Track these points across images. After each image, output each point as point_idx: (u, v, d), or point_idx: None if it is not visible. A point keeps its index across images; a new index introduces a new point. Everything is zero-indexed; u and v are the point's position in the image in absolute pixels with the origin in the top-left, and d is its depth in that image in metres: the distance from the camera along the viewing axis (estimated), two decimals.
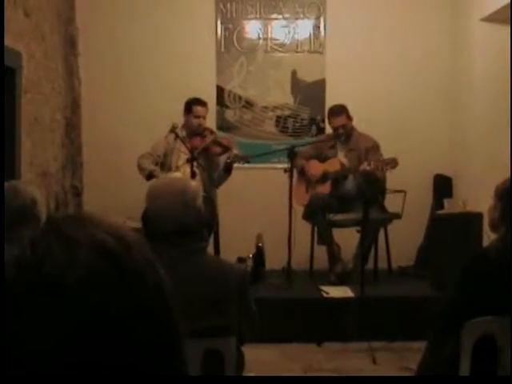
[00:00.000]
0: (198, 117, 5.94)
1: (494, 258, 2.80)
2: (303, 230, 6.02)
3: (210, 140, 5.89)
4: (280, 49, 7.08)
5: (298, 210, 6.03)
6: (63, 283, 0.76)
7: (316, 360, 4.98)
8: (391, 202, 6.07)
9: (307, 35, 7.08)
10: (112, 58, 6.89)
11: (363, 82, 6.97)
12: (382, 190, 6.04)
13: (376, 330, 5.14)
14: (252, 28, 7.08)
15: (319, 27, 7.07)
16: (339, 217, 5.93)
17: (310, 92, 7.07)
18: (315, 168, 6.15)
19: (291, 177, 5.78)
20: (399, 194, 5.89)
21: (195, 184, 2.90)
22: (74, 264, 0.77)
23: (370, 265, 5.99)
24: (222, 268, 2.72)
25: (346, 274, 5.94)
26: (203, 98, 6.13)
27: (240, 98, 7.06)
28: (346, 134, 6.09)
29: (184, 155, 5.80)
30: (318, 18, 7.06)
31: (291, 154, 5.85)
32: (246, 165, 6.39)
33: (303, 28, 7.08)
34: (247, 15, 7.06)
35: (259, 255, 5.98)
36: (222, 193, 6.12)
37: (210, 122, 6.46)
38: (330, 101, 6.73)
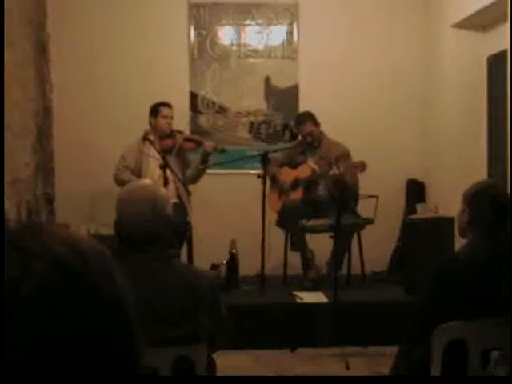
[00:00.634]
0: (165, 117, 5.98)
1: (464, 263, 2.81)
2: (277, 236, 6.02)
3: (180, 139, 5.91)
4: (253, 55, 7.09)
5: (272, 215, 6.03)
6: (16, 295, 0.74)
7: (289, 366, 4.98)
8: (364, 207, 6.09)
9: (280, 41, 7.09)
10: (84, 64, 6.85)
11: (336, 87, 7.00)
12: (354, 195, 6.06)
13: (349, 335, 5.15)
14: (225, 34, 7.08)
15: (292, 33, 7.09)
16: (312, 222, 5.94)
17: (284, 98, 7.08)
18: (287, 175, 6.17)
19: (264, 183, 5.79)
20: (372, 199, 5.91)
21: (165, 190, 2.89)
22: (28, 275, 0.76)
23: (344, 270, 6.00)
24: (192, 275, 2.71)
25: (319, 279, 5.95)
26: (176, 103, 6.14)
27: (213, 103, 7.06)
28: (315, 141, 6.11)
29: (154, 160, 5.82)
30: (291, 24, 7.08)
31: (264, 160, 5.86)
32: (219, 170, 6.39)
33: (276, 34, 7.09)
34: (220, 21, 7.06)
35: (233, 261, 5.97)
36: (196, 199, 6.11)
37: (184, 127, 6.45)
38: (303, 106, 6.75)
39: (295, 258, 6.15)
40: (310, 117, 6.12)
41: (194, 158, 6.03)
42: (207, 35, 7.04)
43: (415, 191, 7.00)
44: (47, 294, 0.76)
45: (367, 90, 7.02)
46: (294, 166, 6.20)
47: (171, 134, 5.98)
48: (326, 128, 6.20)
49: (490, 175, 6.19)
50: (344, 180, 5.78)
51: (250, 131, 7.09)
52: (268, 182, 5.95)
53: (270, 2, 7.03)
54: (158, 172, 5.76)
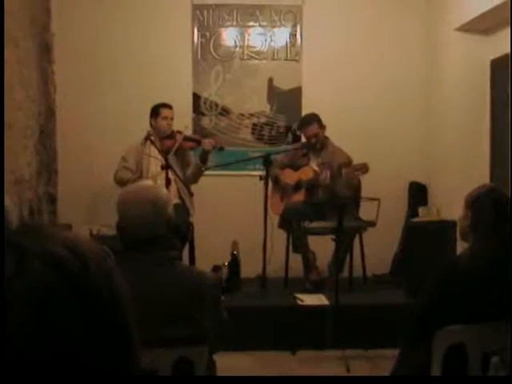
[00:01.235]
0: (166, 118, 6.01)
1: (465, 267, 2.81)
2: (278, 238, 6.03)
3: (180, 139, 5.93)
4: (256, 56, 7.09)
5: (274, 217, 6.03)
6: (11, 291, 0.75)
7: (290, 368, 4.98)
8: (366, 210, 6.09)
9: (284, 43, 7.10)
10: (87, 65, 6.86)
11: (339, 90, 7.00)
12: (356, 198, 6.07)
13: (350, 337, 5.14)
14: (229, 36, 7.08)
15: (295, 35, 7.09)
16: (314, 225, 5.94)
17: (287, 100, 7.08)
18: (289, 177, 6.17)
19: (267, 184, 5.79)
20: (374, 201, 5.91)
21: (166, 192, 2.90)
22: (23, 273, 0.76)
23: (345, 273, 6.00)
24: (193, 276, 2.71)
25: (320, 281, 5.95)
26: (179, 105, 6.17)
27: (216, 105, 7.06)
28: (319, 143, 6.11)
29: (155, 160, 5.84)
30: (294, 26, 7.08)
31: (266, 162, 5.86)
32: (222, 172, 6.39)
33: (280, 36, 7.10)
34: (224, 23, 7.06)
35: (234, 263, 5.96)
36: (198, 200, 6.11)
37: (187, 129, 6.45)
38: (306, 109, 6.75)
39: (297, 260, 6.15)
40: (315, 119, 6.12)
41: (194, 157, 6.04)
42: (211, 37, 7.04)
43: (417, 194, 6.99)
44: (42, 292, 0.76)
45: (370, 93, 7.02)
46: (296, 168, 6.20)
47: (171, 135, 5.99)
48: (328, 130, 6.19)
49: (492, 179, 6.18)
50: (335, 188, 5.80)
51: (253, 133, 7.10)
52: (270, 184, 5.96)
53: (273, 3, 7.03)
54: (159, 173, 5.77)
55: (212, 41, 7.04)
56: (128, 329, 0.83)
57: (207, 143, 5.95)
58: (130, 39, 6.92)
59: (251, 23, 7.07)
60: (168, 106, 6.05)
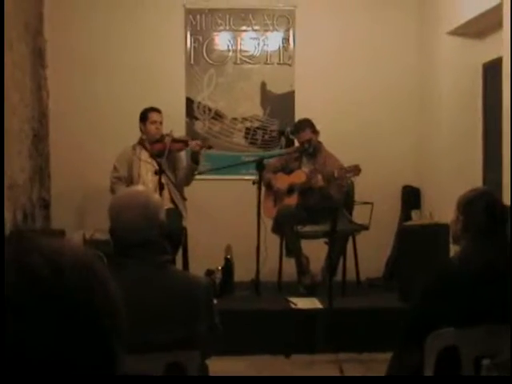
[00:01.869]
0: (154, 122, 5.99)
1: (457, 270, 2.82)
2: (272, 242, 6.03)
3: (169, 141, 5.90)
4: (249, 61, 7.10)
5: (267, 221, 6.04)
6: None
7: (284, 371, 4.98)
8: (359, 214, 6.10)
9: (276, 47, 7.11)
10: (80, 69, 6.86)
11: (332, 93, 7.01)
12: (349, 202, 6.08)
13: (344, 341, 5.14)
14: (221, 40, 7.09)
15: (288, 39, 7.11)
16: (307, 228, 5.95)
17: (280, 104, 7.09)
18: (282, 181, 6.17)
19: (260, 188, 5.80)
20: (367, 205, 5.92)
21: (157, 197, 2.90)
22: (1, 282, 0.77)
23: (339, 276, 6.00)
24: (186, 281, 2.72)
25: (314, 285, 5.95)
26: (172, 109, 6.17)
27: (209, 109, 7.07)
28: (312, 148, 6.11)
29: (146, 164, 5.85)
30: (287, 31, 7.09)
31: (259, 166, 5.86)
32: (215, 176, 6.39)
33: (273, 40, 7.11)
34: (217, 27, 7.07)
35: (228, 267, 5.97)
36: (191, 204, 6.11)
37: (180, 133, 6.46)
38: (299, 113, 6.76)
39: (290, 264, 6.15)
40: (309, 124, 6.13)
41: (184, 159, 6.02)
42: (204, 41, 7.05)
43: (410, 198, 7.00)
44: (14, 298, 0.76)
45: (363, 97, 7.03)
46: (288, 172, 6.21)
47: (161, 139, 5.97)
48: (321, 134, 6.20)
49: (485, 182, 6.21)
50: (328, 192, 5.81)
51: (246, 137, 7.10)
52: (263, 189, 5.96)
53: (266, 8, 7.05)
54: (151, 178, 5.77)
55: (205, 45, 7.05)
56: (107, 333, 0.83)
57: (194, 144, 5.93)
58: (122, 44, 6.92)
59: (244, 27, 7.08)
60: (156, 110, 6.05)
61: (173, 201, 5.89)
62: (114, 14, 6.90)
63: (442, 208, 6.02)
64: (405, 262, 5.90)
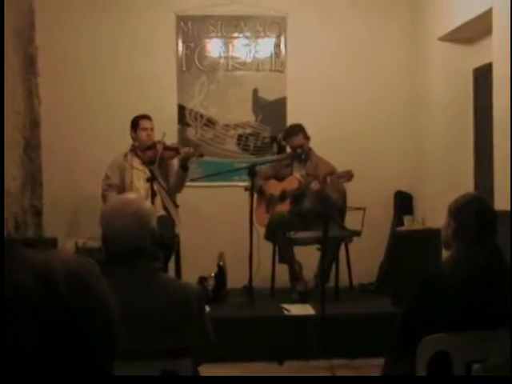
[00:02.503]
0: (145, 129, 5.99)
1: (447, 275, 2.83)
2: (265, 249, 6.03)
3: (160, 149, 5.90)
4: (241, 67, 7.11)
5: (260, 228, 6.04)
6: None
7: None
8: (351, 220, 6.10)
9: (268, 54, 7.12)
10: (72, 77, 6.86)
11: (324, 100, 7.03)
12: (338, 209, 6.09)
13: (337, 347, 5.14)
14: (213, 47, 7.10)
15: (280, 46, 7.12)
16: (299, 235, 5.94)
17: (271, 110, 7.10)
18: (274, 187, 6.18)
19: (252, 195, 5.80)
20: (359, 211, 5.93)
21: (149, 204, 2.90)
22: None
23: (332, 282, 6.01)
24: (177, 288, 2.71)
25: (307, 291, 5.95)
26: (164, 116, 6.16)
27: (201, 116, 7.07)
28: (304, 154, 6.12)
29: (138, 171, 5.84)
30: (278, 37, 7.11)
31: (252, 173, 5.86)
32: (207, 183, 6.38)
33: (264, 47, 7.12)
34: (208, 34, 7.08)
35: (221, 274, 5.96)
36: (184, 211, 6.11)
37: (172, 140, 6.46)
38: (291, 119, 6.77)
39: (283, 271, 6.15)
40: (300, 129, 6.14)
41: (176, 165, 6.02)
42: (195, 48, 7.06)
43: (403, 203, 7.02)
44: (6, 318, 0.76)
45: (355, 103, 7.05)
46: (280, 178, 6.22)
47: (152, 146, 5.97)
48: (313, 140, 6.22)
49: (476, 187, 6.22)
50: (326, 193, 5.82)
51: (238, 144, 7.11)
52: (255, 195, 5.96)
53: (258, 14, 7.06)
54: (143, 185, 5.77)
55: (196, 52, 7.06)
56: (101, 339, 0.84)
57: (185, 151, 5.92)
58: (114, 51, 6.92)
59: (236, 34, 7.09)
60: (147, 117, 6.05)
61: (165, 208, 5.89)
62: (105, 22, 6.90)
63: (434, 213, 6.03)
64: (397, 268, 5.92)
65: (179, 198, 6.07)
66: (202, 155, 6.06)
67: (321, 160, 6.16)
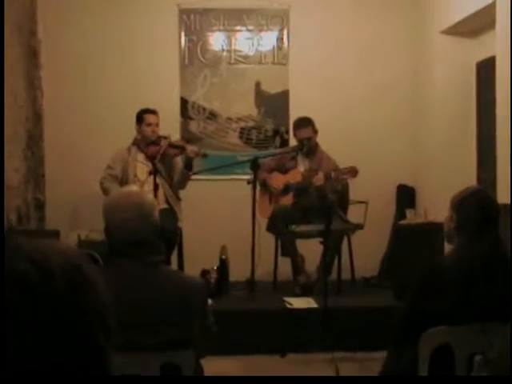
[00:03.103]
0: (150, 124, 5.96)
1: (449, 269, 2.83)
2: (267, 242, 6.03)
3: (165, 145, 5.88)
4: (244, 60, 7.10)
5: (262, 221, 6.04)
6: None
7: (279, 371, 4.98)
8: (354, 213, 6.11)
9: (271, 47, 7.11)
10: (74, 70, 6.86)
11: (326, 93, 7.02)
12: (344, 201, 6.08)
13: (339, 340, 5.14)
14: (216, 40, 7.09)
15: (282, 39, 7.11)
16: (302, 228, 5.95)
17: (274, 103, 7.09)
18: (277, 180, 6.17)
19: (254, 188, 5.79)
20: (362, 204, 5.93)
21: (151, 197, 2.91)
22: None
23: (334, 275, 6.01)
24: (180, 281, 2.72)
25: (309, 285, 5.95)
26: (167, 109, 6.16)
27: (204, 109, 7.07)
28: (309, 147, 6.12)
29: (141, 165, 5.84)
30: (281, 30, 7.10)
31: (254, 166, 5.86)
32: (210, 176, 6.39)
33: (267, 40, 7.11)
34: (211, 27, 7.07)
35: (223, 267, 5.97)
36: (186, 204, 6.11)
37: (174, 133, 6.46)
38: (294, 112, 6.76)
39: (285, 264, 6.15)
40: (310, 122, 6.12)
41: (180, 163, 6.01)
42: (198, 41, 7.05)
43: (405, 197, 7.01)
44: (4, 305, 0.77)
45: (357, 96, 7.04)
46: (284, 171, 6.21)
47: (156, 141, 5.95)
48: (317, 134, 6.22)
49: (479, 181, 6.22)
50: (325, 192, 5.82)
51: (241, 137, 7.10)
52: (258, 188, 5.96)
53: (260, 8, 7.05)
54: (147, 179, 5.76)
55: (199, 45, 7.05)
56: (97, 334, 0.84)
57: (190, 151, 5.91)
58: (117, 44, 6.92)
59: (238, 27, 7.08)
60: (152, 112, 6.01)
61: (167, 201, 5.89)
62: (108, 14, 6.90)
63: (436, 207, 6.03)
64: (400, 261, 5.92)
65: (182, 191, 6.08)
66: (205, 155, 6.03)
67: (326, 156, 6.15)
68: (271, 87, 7.11)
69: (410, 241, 5.82)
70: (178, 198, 5.99)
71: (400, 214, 6.80)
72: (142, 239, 2.60)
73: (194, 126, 7.06)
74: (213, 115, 7.07)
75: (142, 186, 5.60)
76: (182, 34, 7.04)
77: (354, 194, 6.20)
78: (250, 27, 7.09)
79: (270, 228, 6.10)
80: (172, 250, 5.66)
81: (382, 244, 6.70)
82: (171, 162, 5.97)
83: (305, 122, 6.14)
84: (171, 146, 5.91)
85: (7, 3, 5.70)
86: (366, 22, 7.05)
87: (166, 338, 2.52)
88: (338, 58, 7.05)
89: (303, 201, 6.10)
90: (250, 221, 5.73)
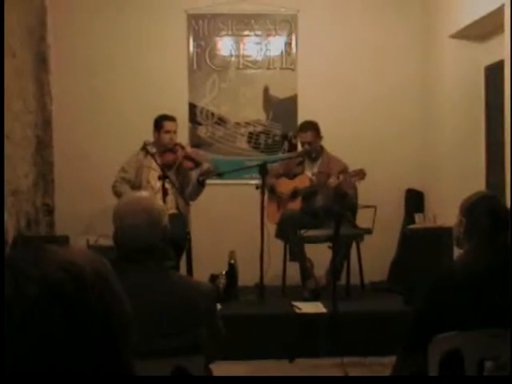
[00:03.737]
0: (168, 132, 5.95)
1: (459, 274, 2.82)
2: (276, 247, 6.03)
3: (181, 155, 5.88)
4: (252, 65, 7.11)
5: (271, 226, 6.04)
6: (9, 314, 0.76)
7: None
8: (363, 218, 6.10)
9: (279, 52, 7.12)
10: (84, 75, 6.88)
11: (335, 97, 7.02)
12: (353, 206, 6.08)
13: (348, 345, 5.14)
14: (224, 45, 7.11)
15: (291, 44, 7.12)
16: (310, 233, 5.94)
17: (282, 108, 7.10)
18: (285, 186, 6.18)
19: (263, 193, 5.80)
20: (370, 209, 5.93)
21: (161, 202, 2.91)
22: (20, 297, 0.77)
23: (343, 280, 6.00)
24: (189, 287, 2.72)
25: (318, 289, 5.95)
26: (175, 115, 6.14)
27: (212, 114, 7.08)
28: (314, 152, 6.12)
29: (155, 172, 5.80)
30: (289, 35, 7.11)
31: (263, 171, 5.86)
32: (218, 181, 6.39)
33: (275, 45, 7.12)
34: (219, 32, 7.09)
35: (232, 272, 5.97)
36: (195, 209, 6.12)
37: (183, 138, 6.48)
38: (302, 117, 6.76)
39: (294, 269, 6.15)
40: (314, 126, 6.13)
41: (194, 175, 5.98)
42: (206, 46, 7.06)
43: (414, 201, 7.00)
44: (36, 313, 0.77)
45: (366, 101, 7.04)
46: (292, 176, 6.21)
47: (173, 148, 5.94)
48: (324, 138, 6.21)
49: (488, 185, 6.20)
50: (344, 190, 5.81)
51: (249, 142, 7.11)
52: (266, 193, 5.96)
53: (268, 13, 7.06)
54: (158, 184, 5.74)
55: (207, 50, 7.06)
56: (123, 343, 0.84)
57: (205, 169, 5.88)
58: (125, 49, 6.94)
59: (246, 32, 7.09)
60: (171, 119, 5.98)
61: (177, 206, 5.89)
62: (117, 20, 6.92)
63: (445, 211, 6.02)
64: (408, 266, 5.91)
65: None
66: (220, 174, 6.02)
67: (333, 158, 6.16)
68: (279, 92, 7.11)
69: (419, 245, 5.81)
70: (187, 203, 5.99)
71: (409, 218, 6.79)
72: (151, 245, 2.61)
73: (202, 131, 7.07)
74: (221, 120, 7.08)
75: (155, 192, 5.56)
76: (191, 39, 7.05)
77: (362, 198, 6.19)
78: (259, 32, 7.10)
79: (279, 233, 6.10)
80: (181, 255, 5.67)
81: (391, 248, 6.69)
82: (186, 174, 5.95)
83: (307, 127, 6.16)
84: (187, 157, 5.89)
85: (17, 9, 5.73)
86: (374, 26, 7.05)
87: (176, 344, 2.53)
88: (346, 63, 7.06)
89: (311, 206, 6.10)
90: (258, 225, 5.73)
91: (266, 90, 7.11)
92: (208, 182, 6.20)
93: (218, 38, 7.08)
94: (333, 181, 5.82)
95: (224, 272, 5.94)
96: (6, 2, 5.34)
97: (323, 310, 5.52)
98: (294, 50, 7.11)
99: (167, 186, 5.65)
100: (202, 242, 6.30)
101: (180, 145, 6.02)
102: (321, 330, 5.34)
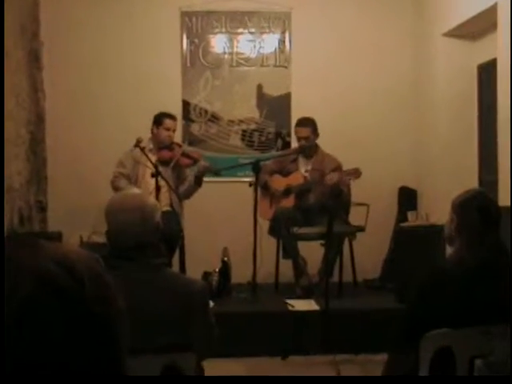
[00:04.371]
0: (168, 129, 5.94)
1: (450, 272, 2.83)
2: (269, 244, 6.04)
3: (178, 153, 5.89)
4: (246, 63, 7.11)
5: (264, 223, 6.04)
6: (7, 308, 0.77)
7: (280, 373, 4.98)
8: (355, 215, 6.11)
9: (273, 49, 7.12)
10: (77, 72, 6.87)
11: (328, 95, 7.03)
12: (346, 204, 6.09)
13: (341, 342, 5.15)
14: (218, 42, 7.10)
15: (284, 41, 7.12)
16: (303, 230, 5.95)
17: (276, 106, 7.10)
18: (278, 182, 6.18)
19: (256, 191, 5.80)
20: (363, 206, 5.94)
21: (153, 199, 2.91)
22: (16, 290, 0.78)
23: (335, 278, 6.01)
24: (181, 283, 2.72)
25: (311, 287, 5.96)
26: (169, 112, 6.14)
27: (206, 112, 7.08)
28: (308, 149, 6.13)
29: (149, 169, 5.79)
30: (283, 33, 7.11)
31: (256, 168, 5.86)
32: (212, 178, 6.39)
33: (269, 42, 7.12)
34: (213, 30, 7.08)
35: (225, 269, 5.98)
36: (188, 207, 6.12)
37: (176, 136, 6.47)
38: (296, 114, 6.76)
39: (287, 266, 6.16)
40: (312, 122, 6.13)
41: (190, 173, 5.99)
42: (200, 43, 7.06)
43: (407, 199, 7.02)
44: (33, 309, 0.78)
45: (359, 99, 7.05)
46: (285, 174, 6.22)
47: (170, 146, 5.94)
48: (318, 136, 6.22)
49: (481, 183, 6.22)
50: (340, 188, 5.82)
51: (243, 139, 7.11)
52: (260, 190, 5.96)
53: (262, 10, 7.06)
54: (152, 181, 5.73)
55: (201, 48, 7.06)
56: (118, 339, 0.85)
57: (202, 166, 5.89)
58: (119, 46, 6.93)
59: (240, 30, 7.09)
60: (172, 117, 5.98)
61: (170, 203, 5.89)
62: (110, 17, 6.92)
63: (438, 209, 6.03)
64: (401, 263, 5.92)
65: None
66: (217, 173, 6.03)
67: (327, 156, 6.16)
68: (273, 90, 7.12)
69: (412, 243, 5.82)
70: (180, 200, 5.99)
71: (402, 216, 6.79)
72: (144, 242, 2.61)
73: (195, 129, 7.07)
74: (215, 117, 7.08)
75: (149, 188, 5.55)
76: (184, 36, 7.05)
77: (355, 196, 6.20)
78: (252, 30, 7.10)
79: (272, 231, 6.11)
80: (174, 252, 5.66)
81: (384, 246, 6.70)
82: (182, 171, 5.95)
83: (304, 122, 6.16)
84: (184, 155, 5.90)
85: (10, 6, 5.72)
86: (367, 25, 7.06)
87: (167, 341, 2.53)
88: (340, 61, 7.06)
89: (304, 203, 6.10)
90: (251, 223, 5.74)
91: (259, 88, 7.11)
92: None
93: (211, 36, 7.08)
94: (330, 178, 5.82)
95: (217, 269, 5.95)
96: None
97: (316, 307, 5.53)
98: (287, 47, 7.12)
99: (161, 183, 5.64)
100: (195, 238, 6.30)
101: (177, 143, 6.02)
102: (313, 327, 5.35)
